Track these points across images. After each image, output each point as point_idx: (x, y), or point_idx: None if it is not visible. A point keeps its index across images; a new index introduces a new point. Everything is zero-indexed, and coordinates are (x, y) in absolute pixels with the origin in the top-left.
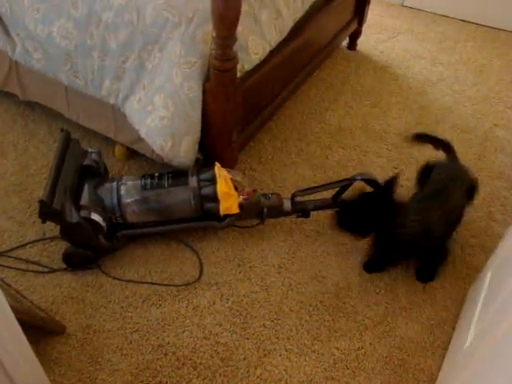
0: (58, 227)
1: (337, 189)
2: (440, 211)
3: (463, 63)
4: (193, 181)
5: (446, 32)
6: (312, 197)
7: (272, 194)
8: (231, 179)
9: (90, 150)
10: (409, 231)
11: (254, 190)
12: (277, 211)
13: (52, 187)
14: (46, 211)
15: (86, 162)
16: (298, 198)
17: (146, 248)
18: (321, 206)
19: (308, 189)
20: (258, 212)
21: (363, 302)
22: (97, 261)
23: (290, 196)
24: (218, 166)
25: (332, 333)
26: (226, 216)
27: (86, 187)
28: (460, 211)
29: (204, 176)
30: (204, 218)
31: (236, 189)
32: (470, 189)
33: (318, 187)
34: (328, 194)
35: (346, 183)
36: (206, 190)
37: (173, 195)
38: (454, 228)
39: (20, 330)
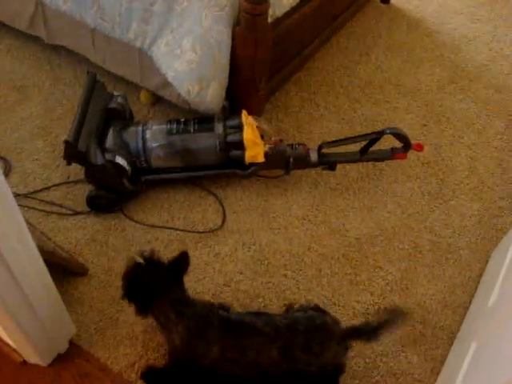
0: (83, 171)
1: (365, 142)
2: None
3: (503, 19)
4: (219, 127)
5: None
6: (339, 150)
7: (298, 145)
8: (258, 127)
9: (115, 93)
10: None
11: (281, 140)
12: (303, 162)
13: (77, 129)
14: (71, 152)
15: (112, 104)
16: (325, 150)
17: (170, 194)
18: (348, 159)
19: (335, 141)
20: (284, 162)
21: (386, 257)
22: (120, 204)
23: (316, 147)
24: (245, 113)
25: (353, 286)
26: (251, 164)
27: (111, 130)
28: None
29: (230, 123)
30: (228, 165)
31: (262, 137)
32: None
33: (346, 139)
34: (355, 148)
35: (374, 136)
36: (232, 137)
37: (198, 140)
38: None
39: (45, 268)
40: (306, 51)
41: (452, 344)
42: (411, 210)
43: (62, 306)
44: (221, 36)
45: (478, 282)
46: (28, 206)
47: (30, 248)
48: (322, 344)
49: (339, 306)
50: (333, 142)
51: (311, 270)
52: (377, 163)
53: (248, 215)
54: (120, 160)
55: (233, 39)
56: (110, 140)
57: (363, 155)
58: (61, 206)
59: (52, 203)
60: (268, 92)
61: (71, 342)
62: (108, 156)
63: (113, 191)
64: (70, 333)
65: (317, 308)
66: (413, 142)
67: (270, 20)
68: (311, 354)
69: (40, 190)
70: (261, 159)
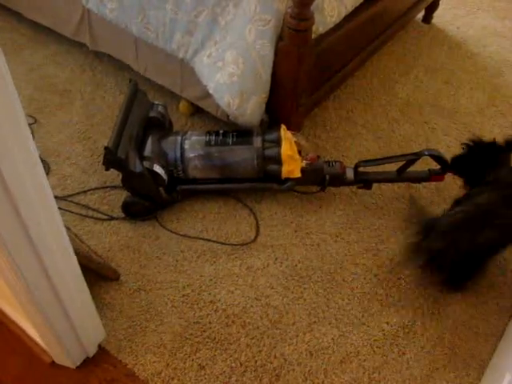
0: (119, 177)
1: (402, 163)
2: None
3: None
4: (257, 141)
5: None
6: (375, 169)
7: (335, 162)
8: (295, 142)
9: (156, 102)
10: None
11: (318, 156)
12: (339, 180)
13: (118, 136)
14: (111, 159)
15: (152, 113)
16: (362, 169)
17: (204, 204)
18: (384, 178)
19: (372, 160)
20: (320, 179)
21: (418, 280)
22: (155, 212)
23: (353, 165)
24: (283, 128)
25: (384, 307)
26: (287, 179)
27: (150, 139)
28: None
29: (269, 137)
30: (265, 179)
31: (300, 153)
32: None
33: (383, 159)
34: (392, 168)
35: (412, 158)
36: (270, 152)
37: (236, 153)
38: None
39: (80, 272)
40: (347, 69)
41: (483, 372)
42: None
43: (94, 310)
44: (264, 50)
45: None
46: (64, 209)
47: (67, 251)
48: None
49: (368, 326)
50: (370, 160)
51: (343, 288)
52: (413, 184)
53: (282, 230)
54: (158, 169)
55: (275, 54)
56: (148, 148)
57: (400, 175)
58: (96, 210)
59: (88, 207)
60: (307, 108)
61: (100, 347)
62: (146, 164)
63: (148, 199)
64: (99, 337)
65: None
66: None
67: (313, 36)
68: None
69: (77, 194)
70: (297, 174)
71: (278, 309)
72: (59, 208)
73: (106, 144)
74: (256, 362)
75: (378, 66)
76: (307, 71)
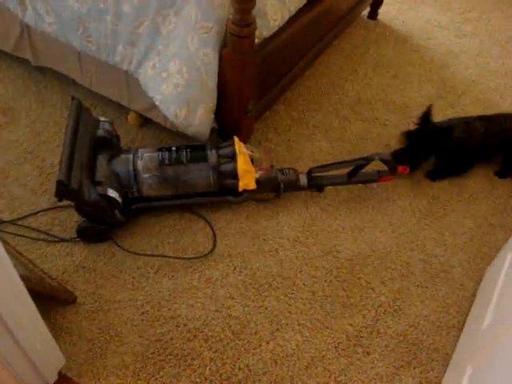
0: None
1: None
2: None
3: (488, 35)
4: (212, 156)
5: (471, 2)
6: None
7: (289, 170)
8: (249, 155)
9: (101, 119)
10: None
11: (272, 166)
12: (293, 186)
13: (68, 164)
14: (64, 191)
15: (100, 133)
16: (314, 174)
17: (159, 218)
18: (336, 182)
19: (324, 165)
20: (275, 187)
21: (378, 279)
22: (110, 234)
23: (306, 171)
24: (237, 140)
25: (346, 308)
26: (243, 191)
27: (99, 160)
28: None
29: (224, 152)
30: (220, 192)
31: (253, 162)
32: None
33: (334, 164)
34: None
35: (362, 163)
36: (226, 167)
37: (191, 171)
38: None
39: (30, 300)
40: (295, 70)
41: (447, 365)
42: (402, 229)
43: (50, 337)
44: (208, 58)
45: (472, 302)
46: (15, 233)
47: (13, 281)
48: None
49: (332, 329)
50: (322, 166)
51: (304, 292)
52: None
53: (239, 238)
54: (112, 193)
55: (220, 61)
56: (99, 172)
57: (350, 179)
58: (48, 232)
59: (39, 230)
60: (257, 112)
61: (60, 373)
62: (100, 189)
63: (103, 223)
64: (59, 364)
65: None
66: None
67: (257, 41)
68: None
69: (27, 216)
70: (252, 186)
71: (240, 319)
72: (9, 233)
73: (58, 175)
74: (221, 375)
75: (326, 65)
76: (253, 76)
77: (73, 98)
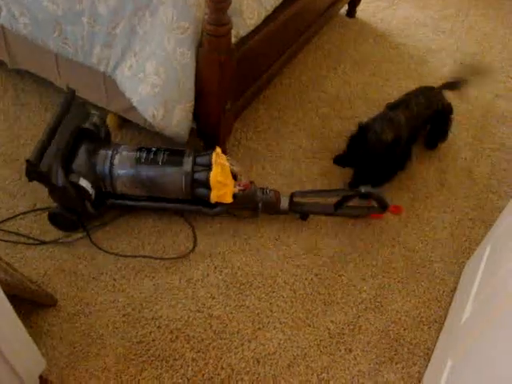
0: (50, 199)
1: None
2: (404, 117)
3: (465, 31)
4: (187, 163)
5: None
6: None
7: (270, 190)
8: (230, 168)
9: (93, 112)
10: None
11: (251, 182)
12: (272, 208)
13: (42, 147)
14: (33, 171)
15: (86, 124)
16: (298, 199)
17: (139, 219)
18: (321, 211)
19: (309, 191)
20: (253, 205)
21: (359, 275)
22: (80, 226)
23: (289, 195)
24: (217, 152)
25: (327, 306)
26: (218, 204)
27: (81, 151)
28: (424, 120)
29: (200, 160)
30: (196, 202)
31: (235, 178)
32: (442, 111)
33: (320, 191)
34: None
35: (350, 194)
36: (199, 175)
37: (165, 173)
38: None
39: (8, 304)
40: (273, 68)
41: (429, 360)
42: (383, 225)
43: (30, 341)
44: (184, 59)
45: (453, 296)
46: None
47: None
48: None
49: (314, 327)
50: (306, 191)
51: (285, 291)
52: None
53: (219, 238)
54: (84, 182)
55: (197, 61)
56: (77, 161)
57: (337, 210)
58: (27, 236)
59: (18, 234)
60: (236, 111)
61: (41, 378)
62: (72, 177)
63: (74, 212)
64: (39, 368)
65: None
66: (391, 204)
67: (234, 40)
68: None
69: (6, 220)
70: (228, 200)
71: (221, 318)
72: None
73: (29, 155)
74: (203, 375)
75: (305, 63)
76: (231, 75)
77: (68, 88)
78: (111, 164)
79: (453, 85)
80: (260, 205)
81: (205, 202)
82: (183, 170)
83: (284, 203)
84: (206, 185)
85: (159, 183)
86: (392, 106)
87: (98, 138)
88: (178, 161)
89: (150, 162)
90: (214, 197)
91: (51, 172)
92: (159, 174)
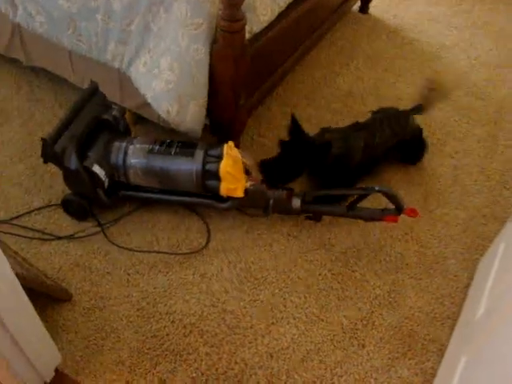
0: (64, 193)
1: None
2: (362, 141)
3: (479, 27)
4: (199, 154)
5: None
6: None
7: (282, 188)
8: (243, 162)
9: (114, 106)
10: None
11: (262, 180)
12: (284, 207)
13: (59, 130)
14: (47, 152)
15: (105, 115)
16: (309, 199)
17: (153, 214)
18: (333, 212)
19: (322, 191)
20: (264, 203)
21: (372, 271)
22: (91, 214)
23: (301, 194)
24: (229, 145)
25: (341, 301)
26: (230, 198)
27: (99, 140)
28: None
29: (212, 152)
30: (208, 196)
31: (248, 173)
32: (413, 137)
33: (333, 190)
34: None
35: (362, 192)
36: (210, 166)
37: (176, 164)
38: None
39: (26, 298)
40: (286, 65)
41: (442, 356)
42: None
43: (47, 335)
44: (198, 55)
45: (466, 292)
46: (10, 233)
47: (9, 280)
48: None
49: (327, 322)
50: (319, 191)
51: (298, 286)
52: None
53: (233, 233)
54: (97, 169)
55: (211, 57)
56: (94, 149)
57: (349, 211)
58: (43, 231)
59: (33, 229)
60: (249, 108)
61: (57, 371)
62: (86, 163)
63: (86, 199)
64: (55, 361)
65: None
66: (406, 206)
67: (247, 36)
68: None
69: (21, 215)
70: (239, 194)
71: (235, 313)
72: (4, 232)
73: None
74: (217, 369)
75: (318, 59)
76: (245, 71)
77: (91, 81)
78: (125, 153)
79: (420, 108)
80: (271, 202)
81: (216, 196)
82: (195, 159)
83: (296, 203)
84: (217, 176)
85: (171, 174)
86: (357, 128)
87: (117, 130)
88: (190, 152)
89: (162, 152)
90: (224, 189)
91: (65, 154)
92: (171, 164)
